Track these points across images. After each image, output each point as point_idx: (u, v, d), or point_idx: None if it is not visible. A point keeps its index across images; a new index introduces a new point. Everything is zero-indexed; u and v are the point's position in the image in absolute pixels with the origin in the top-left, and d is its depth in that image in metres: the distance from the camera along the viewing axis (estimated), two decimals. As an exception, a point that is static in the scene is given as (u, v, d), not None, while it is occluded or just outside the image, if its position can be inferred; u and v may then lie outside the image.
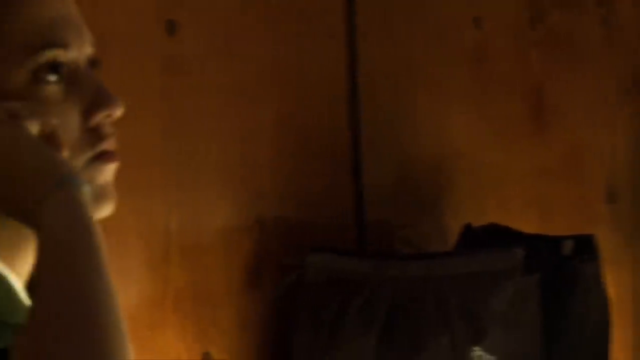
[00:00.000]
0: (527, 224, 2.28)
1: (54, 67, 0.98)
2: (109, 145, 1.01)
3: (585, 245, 2.16)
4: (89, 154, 1.00)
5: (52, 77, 0.98)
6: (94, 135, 1.00)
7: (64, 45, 0.99)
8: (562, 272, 2.12)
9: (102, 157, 1.01)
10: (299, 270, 2.09)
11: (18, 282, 0.99)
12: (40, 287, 0.85)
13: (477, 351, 1.99)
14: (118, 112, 1.02)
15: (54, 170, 0.90)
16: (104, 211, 1.02)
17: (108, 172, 1.02)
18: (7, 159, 0.90)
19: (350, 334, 2.02)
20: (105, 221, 1.86)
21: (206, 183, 2.06)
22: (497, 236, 2.21)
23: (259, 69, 2.12)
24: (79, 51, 1.01)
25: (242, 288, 2.10)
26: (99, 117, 1.00)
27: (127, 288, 1.95)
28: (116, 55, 1.92)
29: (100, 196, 1.00)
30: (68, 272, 0.84)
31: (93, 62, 1.04)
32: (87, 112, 1.00)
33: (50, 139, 0.94)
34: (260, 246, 2.12)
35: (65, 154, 0.95)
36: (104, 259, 0.88)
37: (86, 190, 0.90)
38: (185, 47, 2.03)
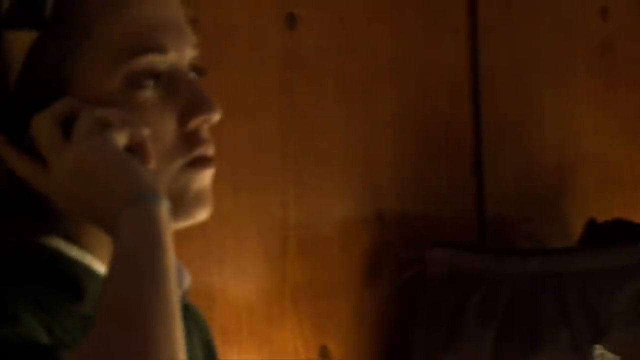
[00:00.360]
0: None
1: (150, 71, 0.97)
2: (205, 150, 1.00)
3: None
4: (185, 159, 0.99)
5: (149, 82, 0.97)
6: (190, 140, 0.99)
7: (162, 50, 0.98)
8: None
9: (198, 162, 1.00)
10: (418, 265, 2.08)
11: None
12: (101, 301, 0.85)
13: (599, 349, 1.96)
14: (216, 117, 1.00)
15: (132, 185, 0.89)
16: (199, 217, 1.01)
17: (204, 178, 1.01)
18: (91, 169, 0.90)
19: (469, 330, 2.00)
20: (224, 216, 1.90)
21: (325, 177, 2.07)
22: (622, 231, 2.16)
23: (380, 63, 2.12)
24: (179, 55, 1.00)
25: (360, 282, 2.10)
26: (196, 122, 0.99)
27: (245, 282, 1.97)
28: (235, 50, 1.94)
29: (195, 202, 1.00)
30: (127, 290, 0.84)
31: (194, 66, 1.03)
32: (184, 117, 0.99)
33: (139, 149, 0.94)
34: (379, 240, 2.11)
35: (153, 165, 0.94)
36: (170, 280, 0.86)
37: (164, 207, 0.89)
38: (305, 41, 2.04)
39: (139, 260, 0.86)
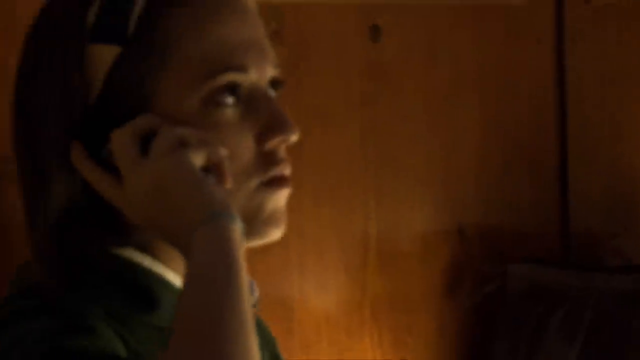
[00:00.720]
0: None
1: (231, 90, 0.98)
2: (282, 170, 1.00)
3: None
4: (261, 178, 0.99)
5: (229, 100, 0.98)
6: (267, 159, 0.99)
7: (243, 69, 0.98)
8: None
9: (274, 182, 1.00)
10: (499, 279, 2.06)
11: None
12: (177, 320, 0.85)
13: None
14: (294, 138, 1.00)
15: (206, 204, 0.89)
16: (273, 237, 1.01)
17: (280, 198, 1.01)
18: (166, 187, 0.91)
19: (552, 346, 1.97)
20: (304, 228, 1.90)
21: (406, 189, 2.06)
22: None
23: (463, 74, 2.10)
24: (260, 74, 1.00)
25: (440, 295, 2.08)
26: (274, 143, 0.99)
27: (326, 294, 1.97)
28: (318, 61, 1.94)
29: (269, 222, 1.00)
30: (203, 309, 0.84)
31: (275, 83, 1.02)
32: (262, 136, 0.99)
33: (215, 169, 0.94)
34: (460, 254, 2.10)
35: (229, 185, 0.94)
36: (243, 296, 0.86)
37: (237, 227, 0.89)
38: (388, 52, 2.03)
39: (214, 279, 0.86)
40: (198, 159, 0.92)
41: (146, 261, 0.99)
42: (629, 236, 2.22)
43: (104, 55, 0.96)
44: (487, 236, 2.12)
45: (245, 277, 0.87)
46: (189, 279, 0.87)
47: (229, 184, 0.94)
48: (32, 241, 0.97)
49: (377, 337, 2.02)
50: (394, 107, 2.05)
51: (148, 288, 0.98)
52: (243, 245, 0.90)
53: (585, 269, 2.05)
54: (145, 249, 0.99)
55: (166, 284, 0.99)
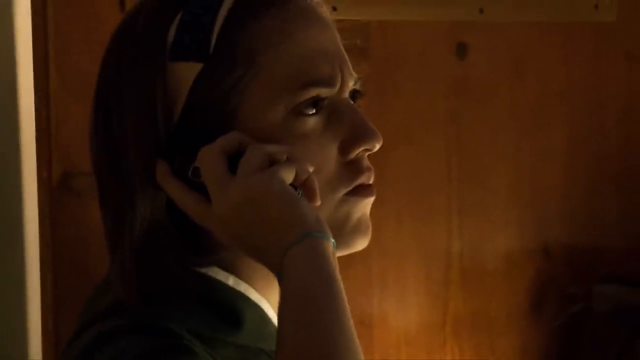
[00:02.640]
0: None
1: (315, 102, 0.97)
2: (367, 179, 1.00)
3: None
4: (347, 188, 0.98)
5: (312, 111, 0.97)
6: (351, 169, 0.98)
7: (328, 84, 0.97)
8: None
9: (360, 191, 0.99)
10: (584, 299, 2.04)
11: (272, 310, 1.01)
12: (281, 339, 0.85)
13: None
14: (377, 146, 1.00)
15: (299, 223, 0.89)
16: (359, 246, 1.01)
17: (365, 206, 1.00)
18: (258, 207, 0.90)
19: (637, 368, 1.95)
20: (386, 243, 1.90)
21: (491, 206, 2.05)
22: None
23: (550, 91, 2.08)
24: (342, 86, 0.99)
25: (523, 315, 2.07)
26: (358, 151, 0.99)
27: (406, 312, 1.97)
28: (404, 78, 1.94)
29: (356, 231, 0.99)
30: (308, 327, 0.84)
31: (355, 93, 1.02)
32: (346, 146, 0.98)
33: (304, 186, 0.94)
34: (545, 272, 2.08)
35: (319, 203, 0.94)
36: (347, 313, 0.86)
37: (331, 244, 0.89)
38: (475, 70, 2.02)
39: (316, 297, 0.86)
40: (288, 176, 0.92)
41: (230, 280, 0.98)
42: None
43: (186, 73, 0.96)
44: (573, 255, 2.09)
45: (343, 294, 0.87)
46: (288, 298, 0.87)
47: (318, 201, 0.94)
48: (115, 259, 0.98)
49: (459, 356, 2.01)
50: (480, 124, 2.04)
51: (233, 307, 0.97)
52: (336, 262, 0.90)
53: (674, 289, 2.02)
54: (227, 268, 0.99)
55: (250, 303, 0.99)
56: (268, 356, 0.99)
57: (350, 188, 0.99)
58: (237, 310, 0.97)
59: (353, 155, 0.98)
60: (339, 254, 0.98)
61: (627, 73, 2.13)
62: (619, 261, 2.11)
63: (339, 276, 0.88)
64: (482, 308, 2.03)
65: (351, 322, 0.86)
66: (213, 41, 0.96)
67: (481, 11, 2.00)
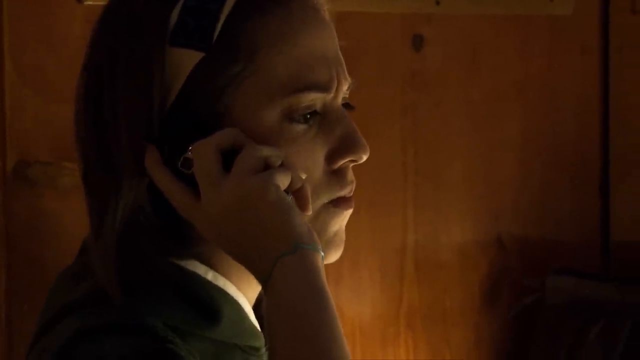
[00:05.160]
0: None
1: (310, 107, 0.95)
2: (348, 191, 0.98)
3: None
4: (328, 197, 0.97)
5: (307, 117, 0.95)
6: (336, 178, 0.97)
7: (325, 89, 0.95)
8: None
9: (340, 203, 0.97)
10: (538, 291, 2.05)
11: (248, 306, 1.00)
12: (275, 352, 0.85)
13: None
14: (364, 158, 0.98)
15: (291, 234, 0.88)
16: (331, 258, 0.99)
17: (344, 219, 0.99)
18: (250, 211, 0.89)
19: (589, 359, 1.96)
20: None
21: (446, 200, 2.06)
22: None
23: (505, 84, 2.09)
24: (338, 92, 0.97)
25: (477, 307, 2.08)
26: (345, 162, 0.97)
27: (361, 304, 1.97)
28: (360, 69, 1.94)
29: (331, 243, 0.98)
30: (302, 341, 0.84)
31: (345, 100, 1.00)
32: (333, 154, 0.96)
33: (299, 194, 0.92)
34: (498, 265, 2.09)
35: (310, 212, 0.93)
36: (338, 326, 0.86)
37: (320, 256, 0.89)
38: (431, 62, 2.03)
39: (306, 311, 0.86)
40: (283, 182, 0.91)
41: (209, 274, 0.96)
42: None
43: (185, 60, 0.93)
44: (526, 247, 2.11)
45: (334, 306, 0.88)
46: (280, 310, 0.86)
47: (310, 211, 0.93)
48: (97, 247, 0.95)
49: (413, 349, 2.02)
50: (435, 116, 2.04)
51: (211, 302, 0.95)
52: (324, 275, 0.90)
53: (625, 282, 2.04)
54: (206, 261, 0.97)
55: (228, 298, 0.97)
56: (242, 351, 0.98)
57: (332, 198, 0.97)
58: (215, 305, 0.95)
59: (339, 164, 0.97)
60: None
61: (582, 67, 2.14)
62: (572, 253, 2.13)
63: (328, 289, 0.88)
64: (437, 300, 2.04)
65: (342, 335, 0.86)
66: (217, 30, 0.93)
67: (438, 3, 2.01)
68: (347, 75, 0.99)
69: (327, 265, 0.96)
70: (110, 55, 0.96)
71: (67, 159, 1.79)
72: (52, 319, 0.94)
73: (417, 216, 2.03)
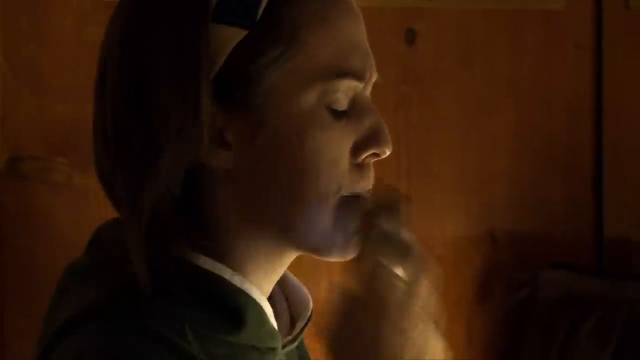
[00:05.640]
0: None
1: (345, 94, 0.94)
2: (368, 188, 0.98)
3: None
4: (350, 190, 0.96)
5: (343, 105, 0.94)
6: (359, 172, 0.96)
7: (361, 77, 0.95)
8: None
9: (359, 200, 0.97)
10: (531, 286, 2.05)
11: (270, 308, 0.98)
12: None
13: None
14: (387, 153, 0.98)
15: None
16: (349, 255, 0.98)
17: (358, 214, 0.97)
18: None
19: (581, 354, 1.97)
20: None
21: (438, 194, 2.06)
22: None
23: (498, 78, 2.09)
24: (367, 84, 0.97)
25: (470, 301, 2.08)
26: (368, 153, 0.96)
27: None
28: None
29: (351, 239, 0.97)
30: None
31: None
32: (359, 146, 0.95)
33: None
34: (491, 260, 2.09)
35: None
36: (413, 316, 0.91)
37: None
38: (423, 57, 2.03)
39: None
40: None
41: (235, 278, 0.95)
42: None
43: (228, 37, 0.91)
44: (519, 242, 2.11)
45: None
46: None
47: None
48: (128, 236, 0.92)
49: (406, 342, 2.02)
50: (428, 111, 2.04)
51: (237, 307, 0.94)
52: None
53: (618, 276, 2.04)
54: (225, 257, 0.95)
55: (252, 303, 0.95)
56: (259, 351, 0.96)
57: (353, 191, 0.96)
58: (241, 312, 0.94)
59: (362, 157, 0.96)
60: (326, 258, 0.98)
61: (574, 62, 2.14)
62: (565, 248, 2.13)
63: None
64: (429, 294, 2.04)
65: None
66: (261, 8, 0.92)
67: (430, -3, 2.01)
68: (375, 68, 0.98)
69: (319, 261, 0.96)
70: (154, 29, 0.93)
71: (59, 154, 1.79)
72: (72, 322, 0.91)
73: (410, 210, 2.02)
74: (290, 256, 0.99)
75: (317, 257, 0.98)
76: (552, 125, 2.13)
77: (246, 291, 0.95)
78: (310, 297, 1.05)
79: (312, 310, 1.04)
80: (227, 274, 0.94)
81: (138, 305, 0.90)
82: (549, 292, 2.03)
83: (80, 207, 1.82)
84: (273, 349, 0.97)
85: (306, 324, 1.03)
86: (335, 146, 0.94)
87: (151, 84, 0.92)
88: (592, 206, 2.16)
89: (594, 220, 2.17)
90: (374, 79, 0.98)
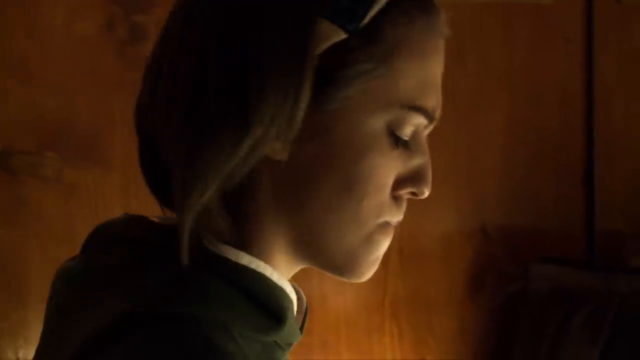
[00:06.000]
0: None
1: (412, 128, 0.94)
2: (398, 220, 0.97)
3: None
4: (384, 219, 0.96)
5: (405, 135, 0.94)
6: (395, 203, 0.96)
7: (431, 118, 0.95)
8: None
9: (389, 229, 0.97)
10: (522, 279, 2.05)
11: (296, 303, 0.98)
12: None
13: None
14: (425, 194, 0.99)
15: None
16: (362, 279, 0.98)
17: (385, 246, 0.98)
18: None
19: (573, 347, 1.96)
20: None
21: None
22: None
23: (490, 73, 2.09)
24: (431, 124, 0.97)
25: (462, 296, 2.08)
26: (407, 191, 0.97)
27: (345, 293, 1.97)
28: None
29: (371, 266, 0.97)
30: None
31: None
32: (402, 180, 0.96)
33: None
34: (483, 254, 2.09)
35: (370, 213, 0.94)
36: None
37: None
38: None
39: None
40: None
41: (274, 275, 0.93)
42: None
43: (327, 34, 0.89)
44: (510, 236, 2.11)
45: None
46: None
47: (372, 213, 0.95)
48: (180, 222, 0.88)
49: (398, 337, 2.02)
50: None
51: (279, 306, 0.92)
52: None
53: (609, 270, 2.04)
54: (253, 252, 0.94)
55: (289, 300, 0.94)
56: (279, 347, 0.95)
57: (386, 220, 0.96)
58: (282, 309, 0.92)
59: (403, 192, 0.96)
60: (344, 277, 0.97)
61: (566, 56, 2.14)
62: (556, 242, 2.13)
63: None
64: (421, 289, 2.04)
65: None
66: (367, 19, 0.90)
67: (421, -8, 2.00)
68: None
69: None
70: (252, 17, 0.89)
71: (49, 149, 1.78)
72: (107, 331, 0.87)
73: (401, 205, 2.03)
74: (302, 265, 0.98)
75: (329, 274, 0.97)
76: (544, 120, 2.13)
77: (284, 288, 0.94)
78: (303, 293, 1.04)
79: (307, 306, 1.04)
80: (267, 270, 0.93)
81: (189, 306, 0.87)
82: (540, 286, 2.03)
83: (71, 201, 1.81)
84: (290, 345, 0.97)
85: (304, 319, 1.03)
86: (386, 174, 0.93)
87: (255, 64, 0.87)
88: (583, 200, 2.17)
89: (585, 214, 2.17)
90: (437, 119, 0.98)
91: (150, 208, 1.76)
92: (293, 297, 0.96)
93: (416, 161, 0.96)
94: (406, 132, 0.94)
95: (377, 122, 0.92)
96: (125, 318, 0.86)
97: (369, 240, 0.95)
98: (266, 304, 0.91)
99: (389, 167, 0.93)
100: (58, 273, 0.99)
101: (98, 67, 1.83)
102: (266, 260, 0.94)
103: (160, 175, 0.96)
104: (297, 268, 0.98)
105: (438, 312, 2.06)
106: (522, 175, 2.12)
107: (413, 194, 0.97)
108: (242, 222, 0.93)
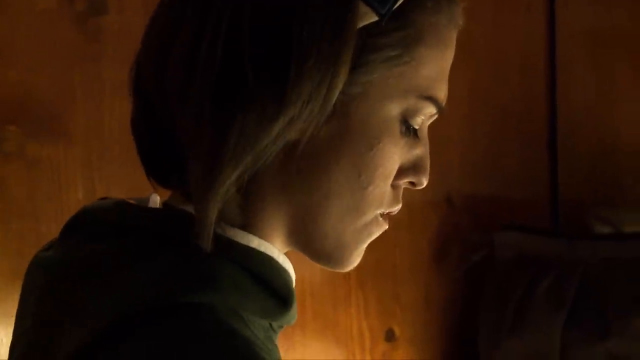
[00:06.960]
0: None
1: (421, 118, 0.93)
2: (397, 210, 0.98)
3: None
4: (383, 209, 0.95)
5: (416, 124, 0.94)
6: (394, 193, 0.96)
7: (439, 108, 0.94)
8: None
9: (386, 220, 0.97)
10: (487, 247, 2.06)
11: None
12: None
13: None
14: (423, 185, 0.98)
15: None
16: (347, 269, 0.98)
17: (377, 235, 0.98)
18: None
19: (538, 314, 1.98)
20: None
21: (394, 158, 2.06)
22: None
23: (452, 42, 2.09)
24: (438, 114, 0.96)
25: (427, 264, 2.09)
26: (406, 180, 0.96)
27: (310, 264, 1.97)
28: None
29: (358, 255, 0.97)
30: None
31: None
32: (402, 170, 0.95)
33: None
34: (448, 222, 2.10)
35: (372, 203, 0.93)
36: None
37: None
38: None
39: None
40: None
41: (280, 257, 0.92)
42: (616, 205, 2.22)
43: (363, 17, 0.86)
44: (475, 205, 2.12)
45: None
46: None
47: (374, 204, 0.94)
48: (202, 205, 0.84)
49: (364, 307, 2.02)
50: (382, 75, 2.04)
51: (288, 290, 0.91)
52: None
53: (573, 237, 2.05)
54: (256, 231, 0.91)
55: (293, 282, 0.94)
56: (273, 330, 0.93)
57: (385, 211, 0.96)
58: (290, 292, 0.92)
59: (402, 181, 0.96)
60: (328, 266, 0.97)
61: (528, 23, 2.15)
62: (521, 210, 2.14)
63: None
64: (387, 258, 2.05)
65: None
66: (397, 4, 0.87)
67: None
68: None
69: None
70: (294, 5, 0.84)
71: (11, 123, 1.77)
72: (124, 322, 0.82)
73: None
74: (289, 249, 0.97)
75: (314, 262, 0.96)
76: (506, 88, 2.14)
77: (288, 270, 0.94)
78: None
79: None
80: (275, 253, 0.92)
81: (207, 295, 0.84)
82: (505, 254, 2.04)
83: (33, 176, 1.80)
84: (281, 327, 0.96)
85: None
86: (394, 162, 0.93)
87: (298, 38, 0.83)
88: (547, 168, 2.18)
89: (549, 182, 2.18)
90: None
91: (114, 182, 1.76)
92: (294, 278, 0.95)
93: (417, 151, 0.95)
94: (417, 121, 0.93)
95: (394, 110, 0.91)
96: (144, 308, 0.81)
97: (364, 231, 0.94)
98: (275, 287, 0.90)
99: (397, 155, 0.93)
100: (35, 264, 0.95)
101: (59, 40, 1.82)
102: (265, 240, 0.92)
103: (160, 148, 0.91)
104: (284, 251, 0.96)
105: (404, 281, 2.06)
106: (486, 144, 2.13)
107: (411, 183, 0.97)
108: (247, 203, 0.91)
